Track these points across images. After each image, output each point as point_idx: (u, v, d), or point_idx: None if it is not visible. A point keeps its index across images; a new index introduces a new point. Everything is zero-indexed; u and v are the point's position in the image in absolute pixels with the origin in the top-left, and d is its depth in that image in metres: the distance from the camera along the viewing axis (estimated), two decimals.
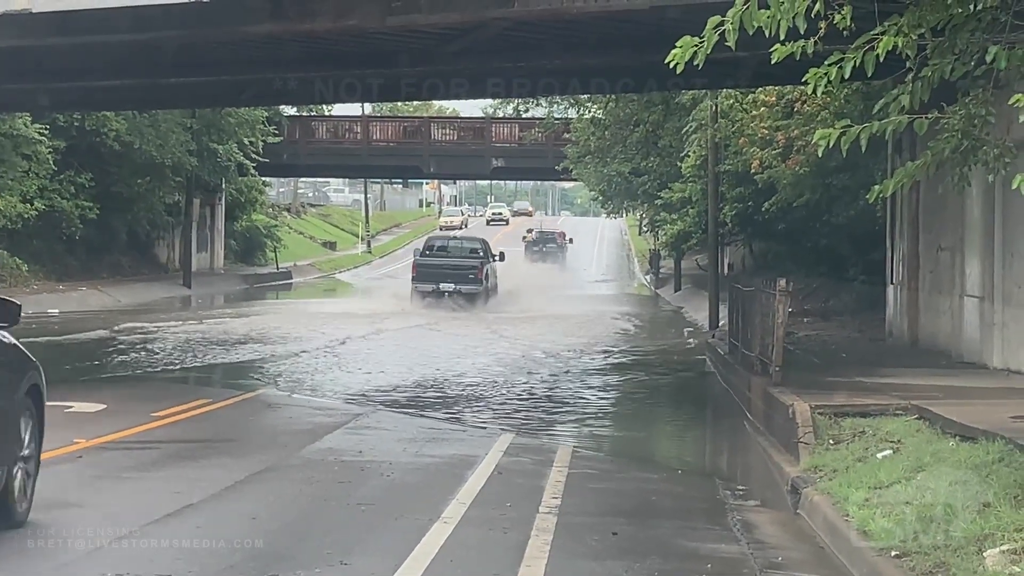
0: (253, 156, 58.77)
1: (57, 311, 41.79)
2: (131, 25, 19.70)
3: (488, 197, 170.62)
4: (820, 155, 10.33)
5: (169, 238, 61.28)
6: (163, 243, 61.19)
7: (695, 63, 9.40)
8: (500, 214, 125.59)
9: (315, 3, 19.43)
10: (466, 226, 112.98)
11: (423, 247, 49.47)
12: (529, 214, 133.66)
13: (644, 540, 11.21)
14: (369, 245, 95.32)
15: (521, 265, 59.34)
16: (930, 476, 10.92)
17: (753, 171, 33.12)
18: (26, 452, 10.53)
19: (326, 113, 77.80)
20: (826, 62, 9.57)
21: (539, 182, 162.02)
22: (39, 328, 36.16)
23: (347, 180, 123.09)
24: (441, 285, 45.27)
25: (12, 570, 9.43)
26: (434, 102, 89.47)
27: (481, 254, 48.07)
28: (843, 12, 9.45)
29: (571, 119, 56.23)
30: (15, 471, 10.27)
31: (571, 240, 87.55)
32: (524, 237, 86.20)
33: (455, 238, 55.52)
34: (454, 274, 45.71)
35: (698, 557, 10.67)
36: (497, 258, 49.80)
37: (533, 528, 11.21)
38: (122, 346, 30.01)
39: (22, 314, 10.72)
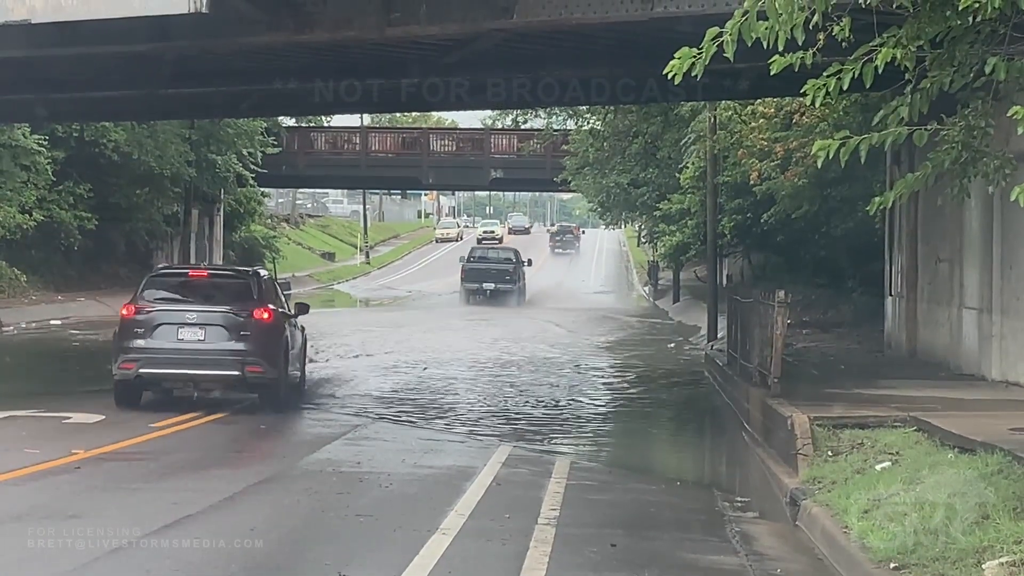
0: (252, 167, 58.78)
1: (60, 321, 41.81)
2: (130, 36, 19.68)
3: (487, 208, 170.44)
4: (819, 166, 10.32)
5: (168, 248, 61.24)
6: (161, 253, 61.13)
7: (693, 74, 9.40)
8: (492, 232, 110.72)
9: (313, 14, 19.41)
10: (461, 238, 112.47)
11: (468, 256, 61.18)
12: (527, 231, 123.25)
13: (643, 552, 11.20)
14: (368, 256, 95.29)
15: (545, 249, 72.30)
16: (929, 488, 10.90)
17: (752, 183, 33.14)
18: (298, 362, 22.09)
19: (325, 124, 77.81)
20: (825, 74, 9.57)
21: (537, 193, 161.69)
22: (40, 338, 36.28)
23: (346, 191, 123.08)
24: (483, 284, 57.95)
25: None
26: (433, 113, 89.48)
27: (514, 260, 60.09)
28: (842, 24, 9.45)
29: (570, 130, 56.27)
30: (301, 373, 22.34)
31: (584, 231, 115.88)
32: (548, 229, 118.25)
33: (493, 248, 68.54)
34: (494, 276, 58.17)
35: (697, 569, 10.67)
36: (526, 263, 61.41)
37: (531, 540, 11.20)
38: None
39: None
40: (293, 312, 22.20)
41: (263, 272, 22.86)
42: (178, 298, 20.61)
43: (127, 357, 19.86)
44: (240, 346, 19.86)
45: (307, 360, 23.65)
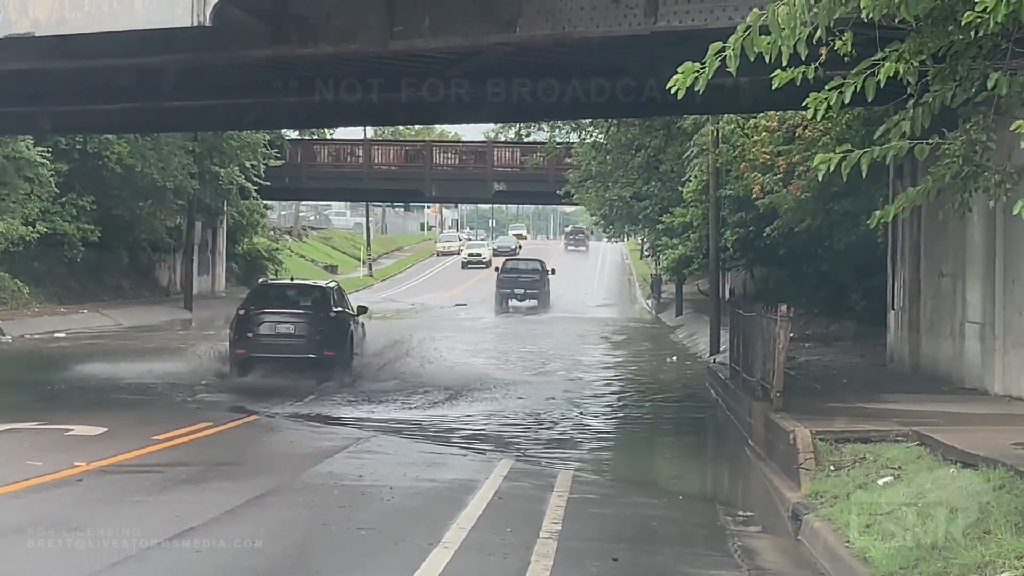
0: (255, 179, 58.84)
1: (63, 333, 41.83)
2: (134, 49, 19.71)
3: (489, 221, 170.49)
4: (820, 179, 10.33)
5: (170, 261, 61.34)
6: (164, 266, 61.25)
7: (696, 88, 9.42)
8: (478, 255, 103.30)
9: (317, 27, 19.43)
10: (462, 252, 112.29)
11: (502, 267, 70.61)
12: (514, 252, 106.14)
13: (645, 566, 11.18)
14: (370, 268, 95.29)
15: (548, 261, 76.76)
16: (931, 503, 10.89)
17: (754, 196, 33.12)
18: (359, 348, 29.51)
19: (328, 136, 77.87)
20: (827, 87, 9.58)
21: (540, 206, 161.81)
22: (43, 350, 36.22)
23: (349, 203, 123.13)
24: (515, 290, 67.77)
25: None
26: (435, 126, 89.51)
27: (540, 270, 69.78)
28: (844, 38, 9.47)
29: (572, 143, 56.31)
30: (355, 352, 28.90)
31: (592, 233, 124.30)
32: (563, 230, 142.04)
33: (523, 260, 76.93)
34: (524, 283, 68.28)
35: None
36: (551, 272, 70.81)
37: (533, 553, 11.19)
38: (126, 368, 29.96)
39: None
40: (355, 312, 29.89)
41: (333, 284, 30.95)
42: (275, 303, 28.72)
43: (240, 345, 27.69)
44: (319, 337, 27.51)
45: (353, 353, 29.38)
